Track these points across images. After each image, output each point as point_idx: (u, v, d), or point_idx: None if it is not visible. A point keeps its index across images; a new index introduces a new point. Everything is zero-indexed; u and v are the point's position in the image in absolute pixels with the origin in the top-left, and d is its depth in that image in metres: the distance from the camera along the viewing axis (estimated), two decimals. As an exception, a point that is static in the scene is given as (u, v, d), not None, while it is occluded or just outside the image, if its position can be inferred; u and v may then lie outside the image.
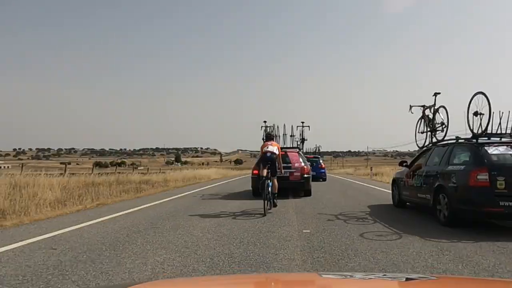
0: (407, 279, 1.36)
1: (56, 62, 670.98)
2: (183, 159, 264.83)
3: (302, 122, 18.12)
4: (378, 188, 15.76)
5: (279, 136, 17.34)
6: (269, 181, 8.12)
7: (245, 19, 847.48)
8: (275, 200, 8.56)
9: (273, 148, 8.48)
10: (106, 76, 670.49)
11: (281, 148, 10.33)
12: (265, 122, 17.15)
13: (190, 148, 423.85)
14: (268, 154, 8.30)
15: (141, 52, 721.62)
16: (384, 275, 1.60)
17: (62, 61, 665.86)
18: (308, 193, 11.64)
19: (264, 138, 14.97)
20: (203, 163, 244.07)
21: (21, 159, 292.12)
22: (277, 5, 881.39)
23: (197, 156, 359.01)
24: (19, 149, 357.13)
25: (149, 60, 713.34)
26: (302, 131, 18.23)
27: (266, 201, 7.83)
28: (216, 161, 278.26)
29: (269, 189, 8.04)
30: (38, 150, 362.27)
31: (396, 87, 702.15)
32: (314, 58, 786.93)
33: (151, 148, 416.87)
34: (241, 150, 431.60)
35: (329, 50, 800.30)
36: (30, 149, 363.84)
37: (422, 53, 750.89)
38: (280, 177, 9.30)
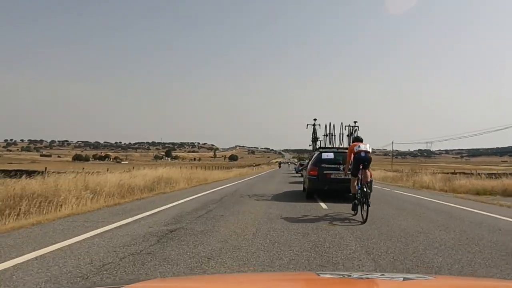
0: (405, 278, 1.35)
1: (56, 56, 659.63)
2: (176, 154, 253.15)
3: (355, 122, 17.24)
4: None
5: (334, 135, 17.15)
6: (362, 182, 7.30)
7: (246, 18, 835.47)
8: (368, 199, 7.02)
9: (366, 146, 7.54)
10: (105, 70, 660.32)
11: (338, 148, 12.60)
12: (315, 120, 17.54)
13: (187, 143, 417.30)
14: (363, 154, 7.40)
15: (142, 48, 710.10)
16: (382, 274, 1.53)
17: (62, 55, 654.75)
18: None
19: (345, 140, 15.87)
20: (195, 158, 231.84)
21: (10, 150, 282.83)
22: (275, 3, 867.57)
23: (193, 151, 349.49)
24: (11, 140, 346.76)
25: (149, 55, 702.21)
26: (354, 131, 16.88)
27: (362, 205, 7.11)
28: (211, 157, 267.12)
29: (363, 191, 7.15)
30: (30, 141, 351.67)
31: (397, 86, 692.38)
32: (314, 57, 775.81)
33: (147, 142, 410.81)
34: (239, 146, 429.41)
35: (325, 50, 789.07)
36: (22, 140, 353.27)
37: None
38: (341, 180, 9.47)
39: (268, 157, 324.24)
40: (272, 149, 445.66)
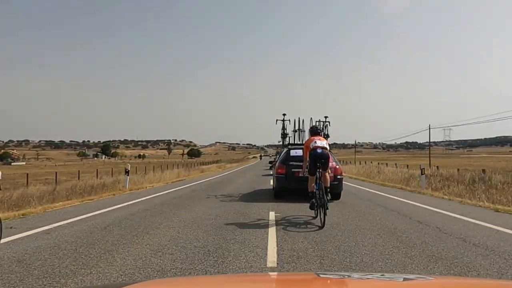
0: (405, 279, 1.36)
1: (20, 53, 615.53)
2: (116, 151, 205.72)
3: (326, 117, 15.64)
4: None
5: (304, 131, 16.15)
6: (320, 181, 6.70)
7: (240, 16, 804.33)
8: (327, 201, 6.48)
9: (323, 142, 6.82)
10: (73, 65, 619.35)
11: None
12: (284, 115, 15.85)
13: (163, 140, 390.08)
14: (319, 151, 6.71)
15: (119, 47, 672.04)
16: (382, 275, 1.50)
17: (26, 52, 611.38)
18: (337, 196, 9.76)
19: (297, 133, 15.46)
20: (140, 155, 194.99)
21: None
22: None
23: (165, 149, 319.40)
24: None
25: (126, 53, 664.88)
26: (325, 126, 15.28)
27: (320, 208, 6.47)
28: (167, 154, 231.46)
29: (321, 192, 6.55)
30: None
31: (385, 81, 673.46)
32: (301, 53, 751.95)
33: (118, 140, 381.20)
34: (219, 142, 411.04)
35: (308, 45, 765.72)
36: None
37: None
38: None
39: (249, 152, 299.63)
40: (255, 145, 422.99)
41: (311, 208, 6.75)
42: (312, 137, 6.97)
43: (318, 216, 6.48)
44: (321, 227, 6.01)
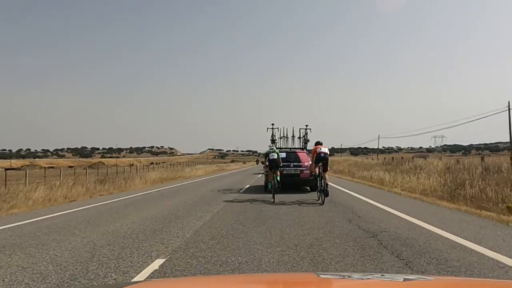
0: (405, 279, 1.38)
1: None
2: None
3: (306, 125, 18.25)
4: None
5: (287, 137, 18.90)
6: (321, 175, 10.45)
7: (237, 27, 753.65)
8: (327, 190, 10.39)
9: (325, 149, 10.72)
10: (57, 72, 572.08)
11: (290, 149, 15.84)
12: (272, 124, 17.97)
13: (144, 147, 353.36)
14: (322, 155, 10.53)
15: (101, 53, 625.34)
16: (382, 275, 1.53)
17: (12, 63, 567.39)
18: (314, 188, 12.45)
19: (304, 143, 17.95)
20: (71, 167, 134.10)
21: None
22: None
23: (136, 156, 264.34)
24: None
25: (109, 55, 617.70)
26: (306, 133, 18.57)
27: (320, 193, 10.38)
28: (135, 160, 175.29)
29: (322, 182, 10.28)
30: None
31: (383, 83, 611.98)
32: (287, 57, 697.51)
33: (103, 148, 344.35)
34: (210, 149, 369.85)
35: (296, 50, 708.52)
36: None
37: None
38: (291, 175, 13.31)
39: (244, 162, 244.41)
40: (256, 151, 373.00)
41: (318, 197, 10.75)
42: (319, 146, 10.79)
43: (321, 199, 10.19)
44: (322, 204, 9.77)
